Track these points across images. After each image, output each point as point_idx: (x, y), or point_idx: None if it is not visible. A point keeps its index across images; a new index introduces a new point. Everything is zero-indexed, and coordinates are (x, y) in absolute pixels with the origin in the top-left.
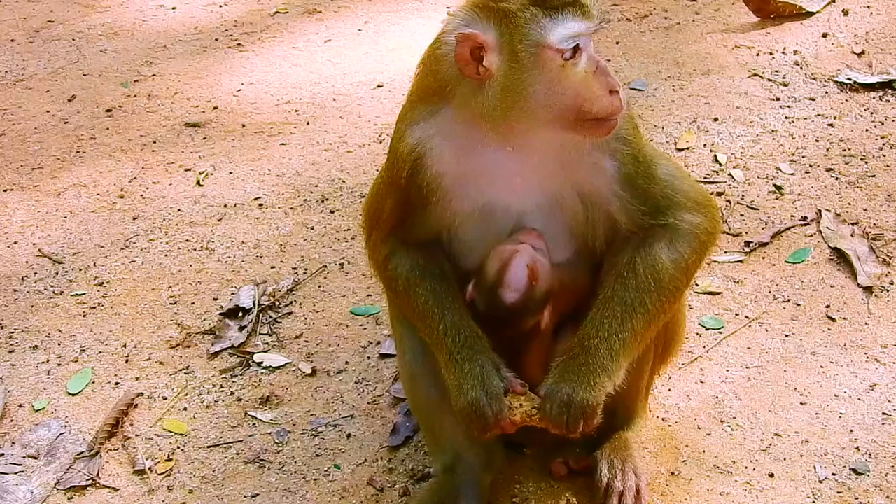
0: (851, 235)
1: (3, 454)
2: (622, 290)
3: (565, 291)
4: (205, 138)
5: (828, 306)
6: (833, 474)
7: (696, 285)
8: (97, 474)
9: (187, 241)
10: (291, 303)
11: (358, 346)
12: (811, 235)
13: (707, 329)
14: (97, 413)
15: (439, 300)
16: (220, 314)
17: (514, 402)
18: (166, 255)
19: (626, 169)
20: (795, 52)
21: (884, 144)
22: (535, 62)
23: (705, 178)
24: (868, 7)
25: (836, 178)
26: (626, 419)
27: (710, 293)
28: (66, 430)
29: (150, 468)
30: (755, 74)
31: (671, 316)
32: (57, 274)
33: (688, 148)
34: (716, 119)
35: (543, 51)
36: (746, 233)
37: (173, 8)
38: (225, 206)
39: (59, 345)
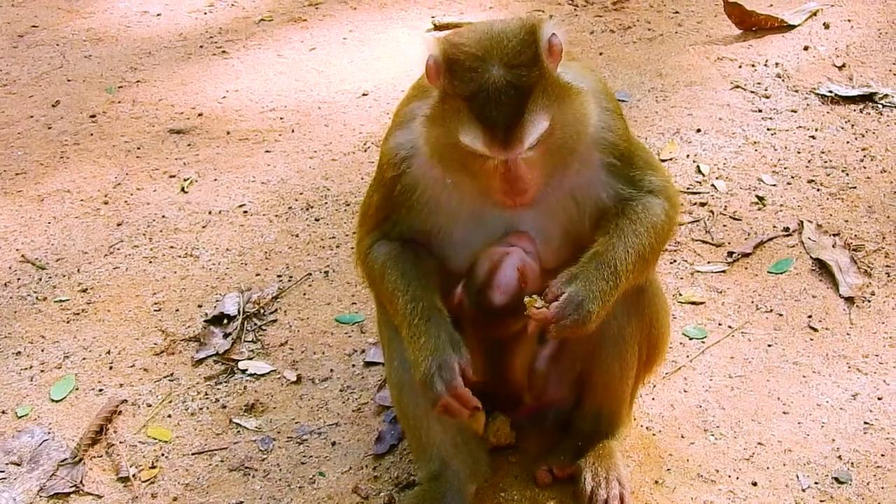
0: (833, 246)
1: None
2: (630, 224)
3: None
4: (189, 145)
5: (810, 316)
6: (815, 483)
7: (680, 295)
8: (81, 481)
9: (172, 247)
10: (276, 310)
11: (343, 354)
12: (793, 246)
13: (690, 339)
14: (81, 420)
15: (407, 279)
16: (204, 321)
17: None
18: (150, 262)
19: (613, 160)
20: (777, 64)
21: (864, 156)
22: (450, 134)
23: (688, 188)
24: (849, 21)
25: (818, 190)
26: (611, 427)
27: (694, 303)
28: (49, 437)
29: (133, 475)
30: (737, 86)
31: (654, 267)
32: (40, 280)
33: (671, 159)
34: (698, 130)
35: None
36: (729, 243)
37: (158, 14)
38: (209, 212)
39: (42, 351)
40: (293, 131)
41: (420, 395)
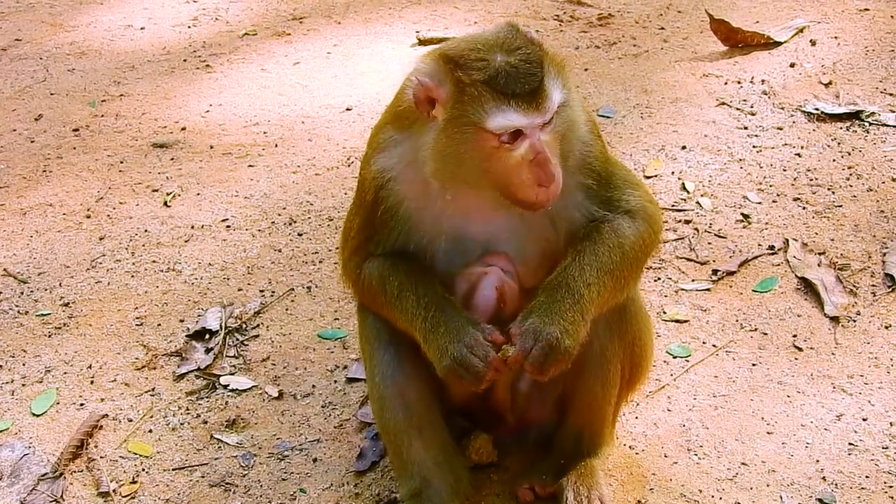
0: (818, 265)
1: None
2: (590, 245)
3: None
4: (172, 159)
5: (795, 336)
6: None
7: (664, 313)
8: (61, 496)
9: (154, 262)
10: (258, 325)
11: (325, 370)
12: (778, 265)
13: (674, 357)
14: (62, 434)
15: (411, 279)
16: (186, 336)
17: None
18: (133, 276)
19: (590, 181)
20: (763, 81)
21: (850, 175)
22: (471, 138)
23: (673, 205)
24: (835, 38)
25: (804, 208)
26: (593, 446)
27: (678, 321)
28: (29, 452)
29: (114, 490)
30: (723, 103)
31: (629, 293)
32: (22, 294)
33: (656, 176)
34: (684, 147)
35: (480, 131)
36: (714, 261)
37: (142, 28)
38: (192, 227)
39: (23, 365)
40: (276, 146)
41: (456, 382)
